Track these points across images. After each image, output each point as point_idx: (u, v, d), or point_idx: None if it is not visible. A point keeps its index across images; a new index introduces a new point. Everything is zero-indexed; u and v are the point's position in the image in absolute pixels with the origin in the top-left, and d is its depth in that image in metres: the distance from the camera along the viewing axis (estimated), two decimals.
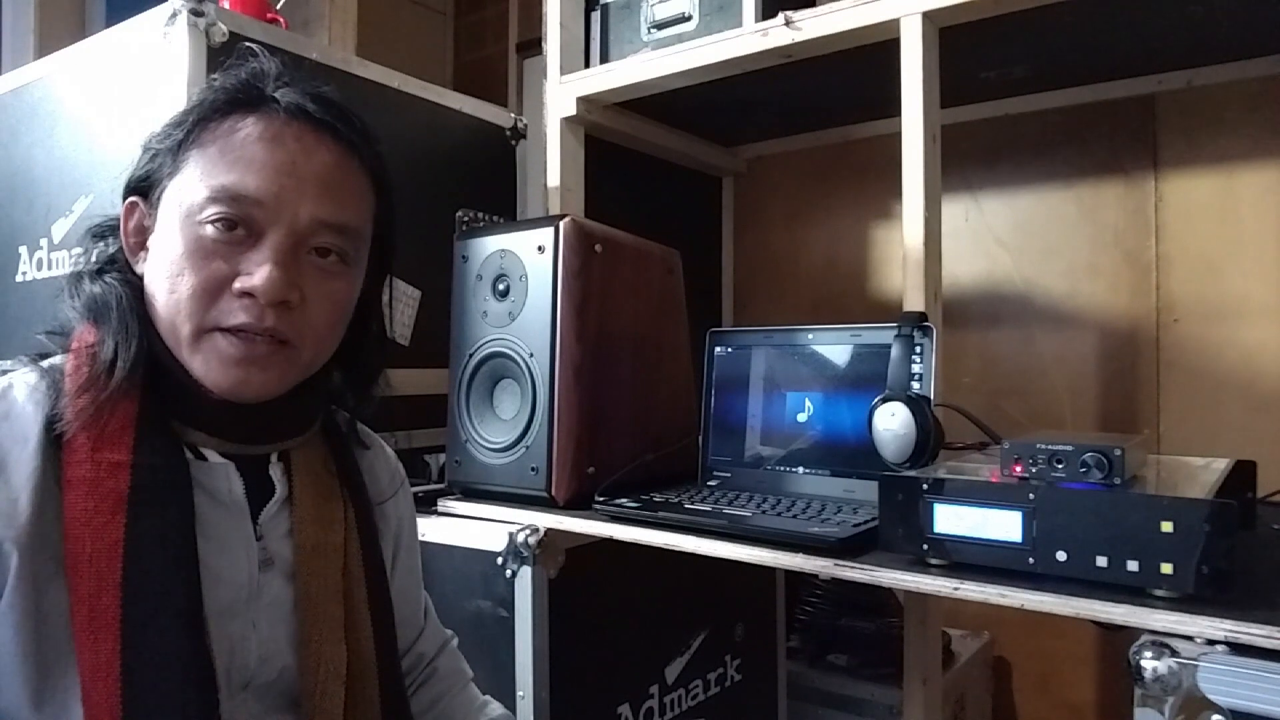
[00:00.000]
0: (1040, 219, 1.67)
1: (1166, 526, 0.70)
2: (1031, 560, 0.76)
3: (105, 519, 0.64)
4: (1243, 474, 0.98)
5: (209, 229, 0.68)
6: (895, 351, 1.01)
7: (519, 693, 1.10)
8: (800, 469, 1.14)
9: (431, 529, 1.18)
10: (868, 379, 1.09)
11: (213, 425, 0.72)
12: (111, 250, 0.75)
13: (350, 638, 0.75)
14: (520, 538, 1.10)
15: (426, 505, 1.22)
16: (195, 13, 1.18)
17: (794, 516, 0.99)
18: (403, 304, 1.47)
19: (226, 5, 1.34)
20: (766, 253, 2.03)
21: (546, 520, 1.12)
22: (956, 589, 0.79)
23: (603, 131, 1.65)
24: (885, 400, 0.96)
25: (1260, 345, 1.44)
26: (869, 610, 1.65)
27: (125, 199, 0.74)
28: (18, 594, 0.61)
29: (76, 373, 0.67)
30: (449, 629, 1.00)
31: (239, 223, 0.68)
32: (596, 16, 1.58)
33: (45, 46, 2.31)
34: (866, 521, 0.93)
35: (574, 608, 1.15)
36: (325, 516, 0.77)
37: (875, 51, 1.25)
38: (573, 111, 1.55)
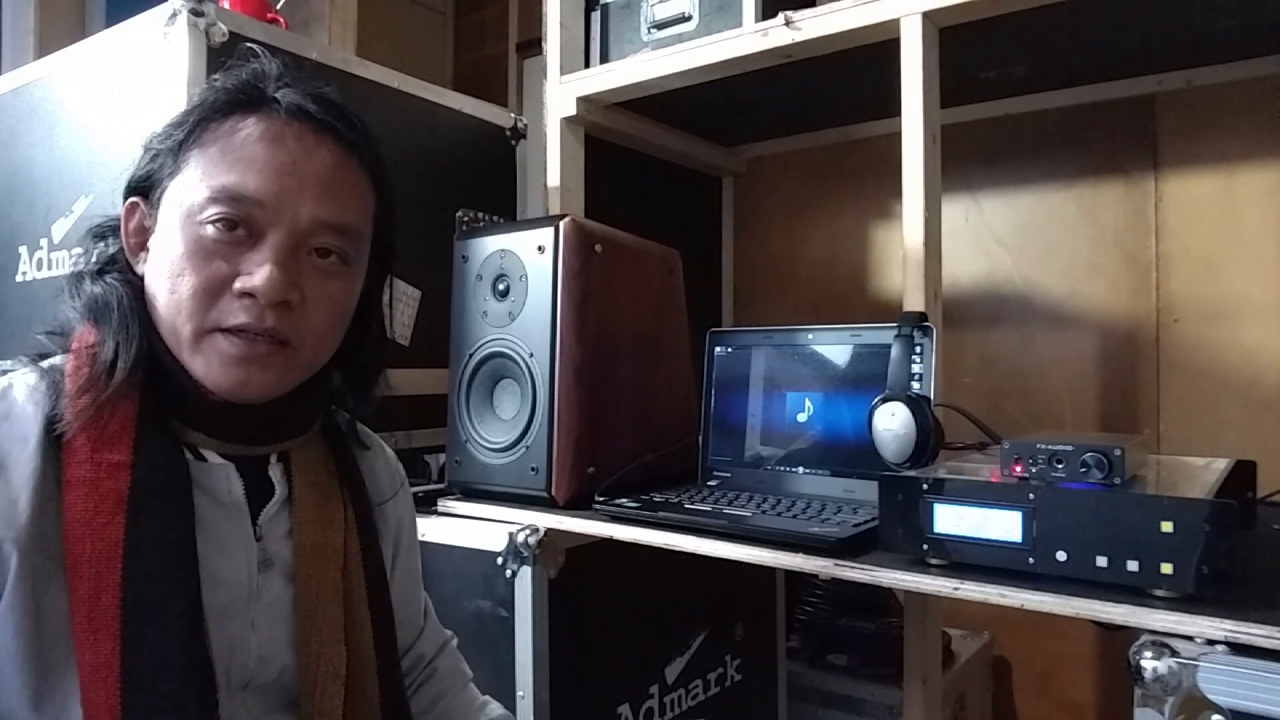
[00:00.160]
0: (1040, 219, 1.67)
1: (1166, 526, 0.70)
2: (1031, 560, 0.76)
3: (105, 519, 0.64)
4: (1243, 474, 0.98)
5: (209, 229, 0.68)
6: (895, 351, 1.01)
7: (519, 693, 1.10)
8: (800, 469, 1.14)
9: (431, 529, 1.18)
10: (868, 379, 1.09)
11: (212, 426, 0.72)
12: (112, 250, 0.75)
13: (350, 638, 0.75)
14: (520, 538, 1.10)
15: (426, 505, 1.22)
16: (195, 13, 1.18)
17: (794, 516, 0.99)
18: (403, 304, 1.47)
19: (226, 5, 1.34)
20: (766, 253, 2.03)
21: (546, 520, 1.12)
22: (956, 589, 0.79)
23: (603, 131, 1.65)
24: (885, 400, 0.96)
25: (1260, 345, 1.44)
26: (869, 610, 1.65)
27: (126, 199, 0.74)
28: (17, 594, 0.61)
29: (76, 373, 0.67)
30: (449, 629, 1.00)
31: (239, 223, 0.68)
32: (596, 16, 1.58)
33: (45, 46, 2.31)
34: (866, 521, 0.93)
35: (574, 608, 1.15)
36: (325, 517, 0.77)
37: (875, 51, 1.25)
38: (573, 111, 1.55)
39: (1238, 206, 1.47)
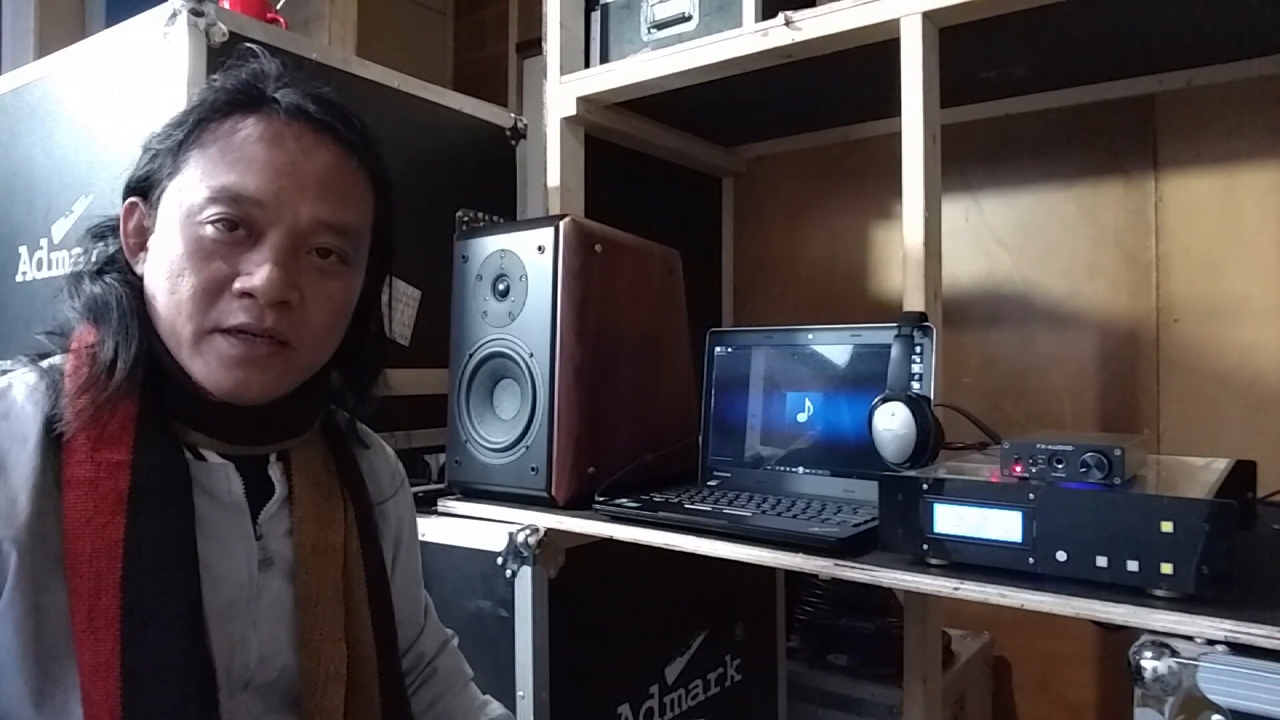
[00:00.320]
0: (1040, 219, 1.67)
1: (1166, 526, 0.70)
2: (1031, 560, 0.76)
3: (105, 519, 0.64)
4: (1243, 474, 0.98)
5: (209, 229, 0.68)
6: (895, 351, 1.01)
7: (519, 693, 1.10)
8: (800, 469, 1.14)
9: (431, 529, 1.18)
10: (868, 379, 1.09)
11: (212, 426, 0.72)
12: (111, 250, 0.75)
13: (350, 637, 0.75)
14: (520, 538, 1.10)
15: (426, 505, 1.22)
16: (195, 13, 1.18)
17: (794, 516, 0.99)
18: (403, 304, 1.47)
19: (226, 5, 1.34)
20: (766, 253, 2.03)
21: (546, 520, 1.12)
22: (956, 589, 0.79)
23: (603, 131, 1.65)
24: (885, 400, 0.96)
25: (1260, 345, 1.44)
26: (869, 610, 1.65)
27: (125, 199, 0.74)
28: (17, 593, 0.61)
29: (76, 373, 0.67)
30: (449, 629, 1.00)
31: (239, 223, 0.68)
32: (596, 16, 1.58)
33: (45, 46, 2.31)
34: (866, 521, 0.93)
35: (574, 608, 1.15)
36: (325, 516, 0.77)
37: (875, 51, 1.25)
38: (573, 111, 1.55)
39: (1238, 206, 1.47)
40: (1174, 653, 0.67)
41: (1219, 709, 0.65)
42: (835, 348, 1.14)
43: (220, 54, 1.18)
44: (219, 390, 0.69)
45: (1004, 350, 1.69)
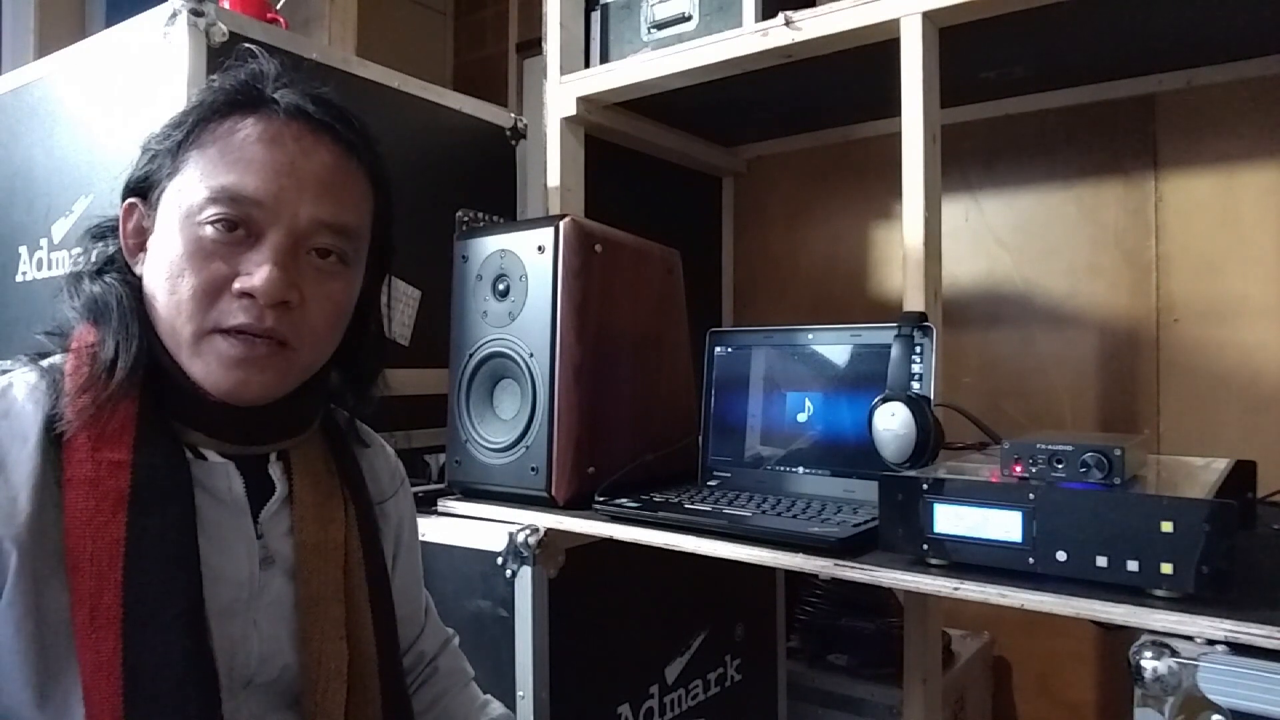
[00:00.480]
0: (1040, 219, 1.67)
1: (1166, 526, 0.70)
2: (1031, 560, 0.76)
3: (106, 518, 0.64)
4: (1243, 474, 0.98)
5: (209, 229, 0.68)
6: (895, 351, 1.01)
7: (519, 693, 1.10)
8: (800, 469, 1.14)
9: (431, 529, 1.18)
10: (868, 379, 1.09)
11: (211, 426, 0.72)
12: (110, 251, 0.75)
13: (351, 636, 0.75)
14: (520, 538, 1.10)
15: (426, 505, 1.22)
16: (195, 13, 1.18)
17: (794, 516, 0.99)
18: (403, 304, 1.47)
19: (226, 5, 1.34)
20: (766, 253, 2.03)
21: (546, 520, 1.12)
22: (956, 589, 0.79)
23: (603, 131, 1.65)
24: (885, 400, 0.96)
25: (1260, 345, 1.44)
26: (869, 610, 1.65)
27: (124, 200, 0.74)
28: (17, 592, 0.61)
29: (76, 372, 0.68)
30: (449, 628, 1.00)
31: (239, 223, 0.68)
32: (596, 16, 1.58)
33: (45, 46, 2.31)
34: (866, 521, 0.93)
35: (574, 608, 1.15)
36: (326, 515, 0.77)
37: (875, 51, 1.25)
38: (573, 111, 1.55)
39: (1238, 206, 1.47)
40: (1174, 653, 0.67)
41: (1219, 709, 0.65)
42: (835, 348, 1.14)
43: (220, 54, 1.18)
44: (218, 390, 0.69)
45: (1004, 350, 1.69)
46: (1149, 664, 0.67)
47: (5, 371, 0.69)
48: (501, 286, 1.19)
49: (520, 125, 1.73)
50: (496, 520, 1.16)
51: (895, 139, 1.19)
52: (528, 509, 1.14)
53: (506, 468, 1.17)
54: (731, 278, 2.07)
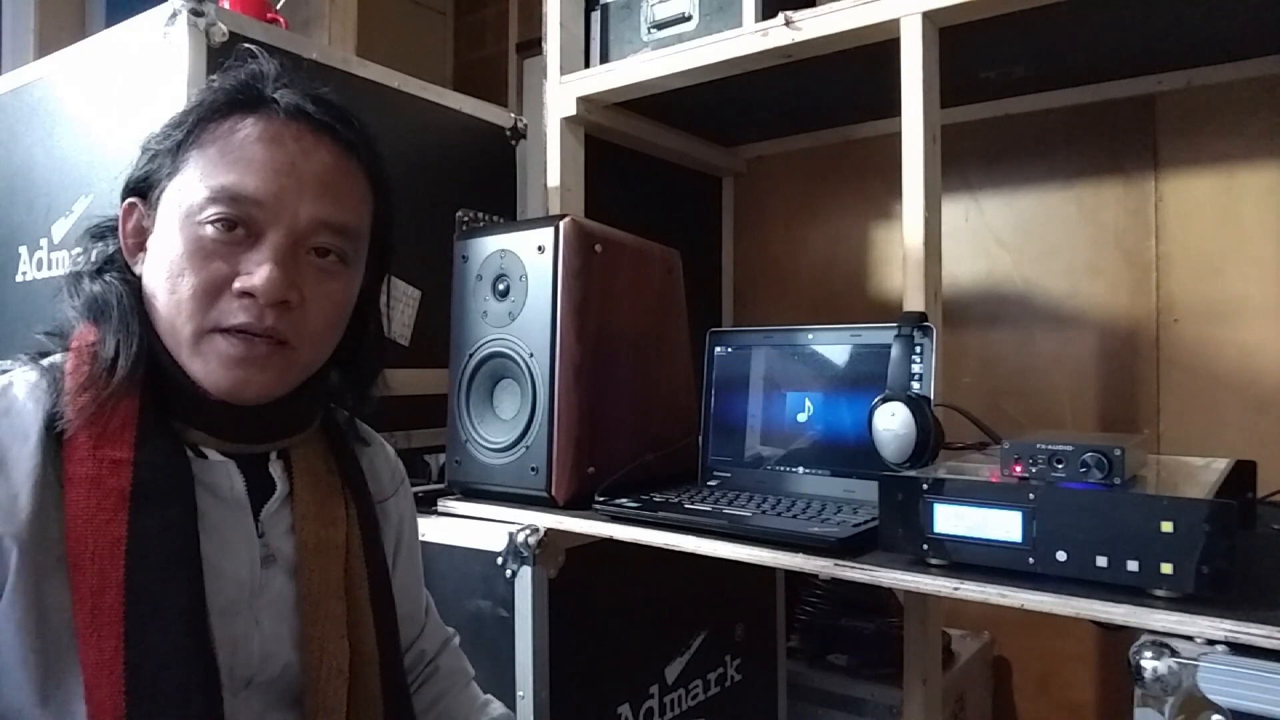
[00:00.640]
0: (1040, 219, 1.67)
1: (1166, 526, 0.70)
2: (1031, 560, 0.76)
3: (108, 516, 0.64)
4: (1243, 474, 0.98)
5: (209, 229, 0.68)
6: (895, 351, 1.01)
7: (519, 693, 1.10)
8: (800, 469, 1.14)
9: (431, 529, 1.18)
10: (868, 379, 1.09)
11: (212, 425, 0.72)
12: (110, 250, 0.75)
13: (352, 634, 0.75)
14: (520, 538, 1.10)
15: (426, 505, 1.22)
16: (195, 13, 1.18)
17: (794, 516, 0.99)
18: (403, 304, 1.47)
19: (226, 5, 1.34)
20: (766, 253, 2.03)
21: (546, 520, 1.12)
22: (956, 589, 0.79)
23: (603, 131, 1.65)
24: (885, 400, 0.96)
25: (1260, 345, 1.44)
26: (869, 610, 1.65)
27: (124, 200, 0.74)
28: (18, 591, 0.61)
29: (77, 371, 0.68)
30: (450, 628, 1.00)
31: (239, 223, 0.68)
32: (596, 16, 1.58)
33: (45, 46, 2.31)
34: (866, 521, 0.93)
35: (574, 608, 1.15)
36: (326, 513, 0.77)
37: (875, 51, 1.25)
38: (573, 111, 1.55)
39: (1238, 206, 1.47)
40: (1174, 653, 0.67)
41: (1219, 709, 0.65)
42: (835, 348, 1.14)
43: (220, 54, 1.18)
44: (218, 390, 0.69)
45: (1004, 350, 1.69)
46: (1149, 664, 0.67)
47: (5, 370, 0.69)
48: (501, 286, 1.19)
49: (520, 125, 1.73)
50: (496, 520, 1.16)
51: (895, 139, 1.19)
52: (528, 509, 1.14)
53: (506, 468, 1.17)
54: (731, 278, 2.07)
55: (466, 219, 1.58)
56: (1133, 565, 0.71)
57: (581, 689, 1.17)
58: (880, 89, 1.27)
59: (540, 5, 1.63)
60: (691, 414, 1.28)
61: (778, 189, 2.02)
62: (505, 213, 1.68)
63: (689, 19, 1.46)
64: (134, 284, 0.72)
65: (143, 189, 0.73)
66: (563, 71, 1.57)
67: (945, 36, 1.20)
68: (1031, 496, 0.76)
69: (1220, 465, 0.93)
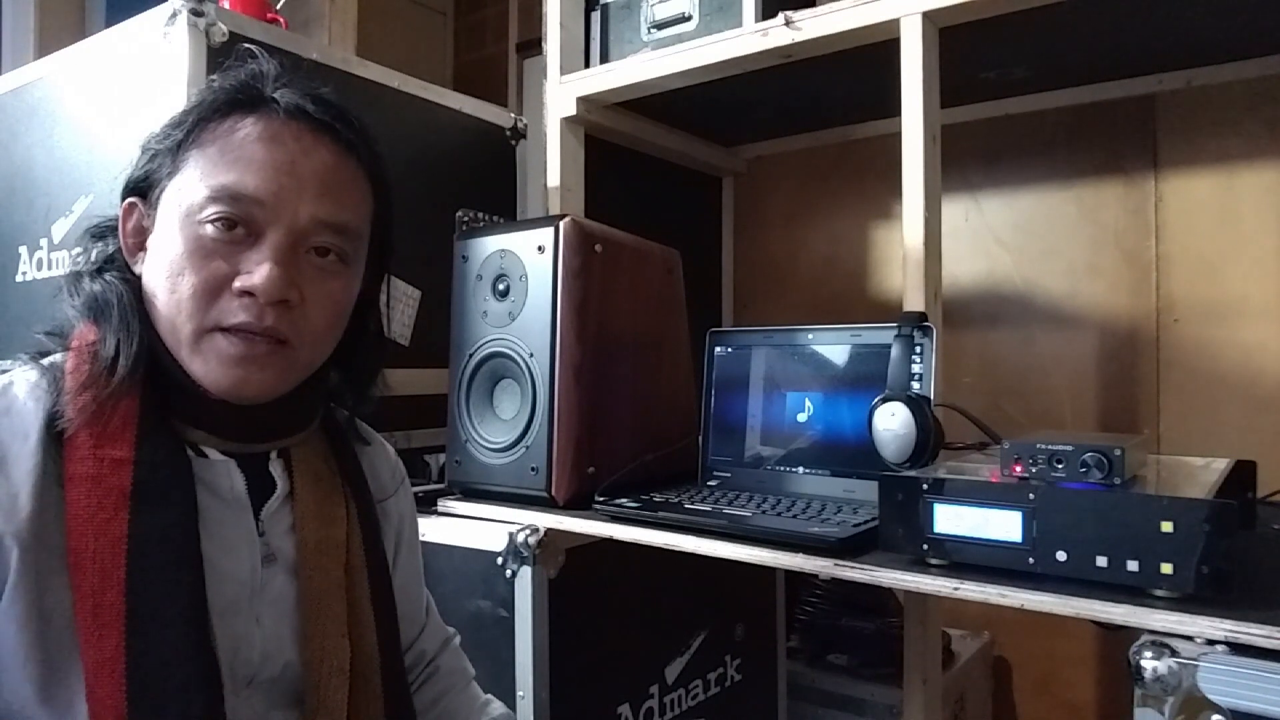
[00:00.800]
0: (1040, 219, 1.67)
1: (1166, 526, 0.70)
2: (1031, 560, 0.76)
3: (108, 515, 0.64)
4: (1243, 474, 0.98)
5: (209, 228, 0.68)
6: (895, 351, 1.01)
7: (519, 693, 1.10)
8: (800, 469, 1.14)
9: (431, 529, 1.18)
10: (868, 379, 1.09)
11: (212, 424, 0.72)
12: (110, 250, 0.75)
13: (353, 633, 0.75)
14: (520, 538, 1.10)
15: (426, 505, 1.22)
16: (195, 13, 1.18)
17: (794, 516, 0.99)
18: (403, 304, 1.47)
19: (226, 5, 1.34)
20: (766, 253, 2.03)
21: (546, 520, 1.12)
22: (956, 589, 0.79)
23: (603, 131, 1.65)
24: (885, 400, 0.96)
25: (1260, 345, 1.44)
26: (869, 610, 1.65)
27: (124, 200, 0.74)
28: (19, 590, 0.61)
29: (77, 370, 0.68)
30: (450, 627, 1.00)
31: (239, 222, 0.68)
32: (596, 16, 1.58)
33: (45, 46, 2.31)
34: (866, 521, 0.93)
35: (574, 608, 1.15)
36: (327, 512, 0.77)
37: (875, 51, 1.25)
38: (573, 111, 1.55)
39: (1238, 206, 1.47)
40: (1174, 653, 0.67)
41: (1219, 709, 0.65)
42: (835, 348, 1.14)
43: (220, 54, 1.18)
44: (218, 389, 0.69)
45: (1004, 350, 1.69)
46: (1149, 664, 0.67)
47: (6, 370, 0.69)
48: (501, 286, 1.19)
49: (520, 125, 1.73)
50: (496, 520, 1.16)
51: (895, 139, 1.19)
52: (528, 509, 1.14)
53: (506, 468, 1.17)
54: (731, 278, 2.07)
55: (466, 219, 1.58)
56: (1133, 565, 0.71)
57: (581, 689, 1.17)
58: (880, 89, 1.27)
59: (540, 5, 1.63)
60: (691, 414, 1.28)
61: (778, 189, 2.02)
62: (505, 213, 1.68)
63: (689, 19, 1.46)
64: (134, 283, 0.72)
65: (143, 189, 0.73)
66: (563, 71, 1.57)
67: (945, 36, 1.20)
68: (1031, 496, 0.76)
69: (1220, 465, 0.93)
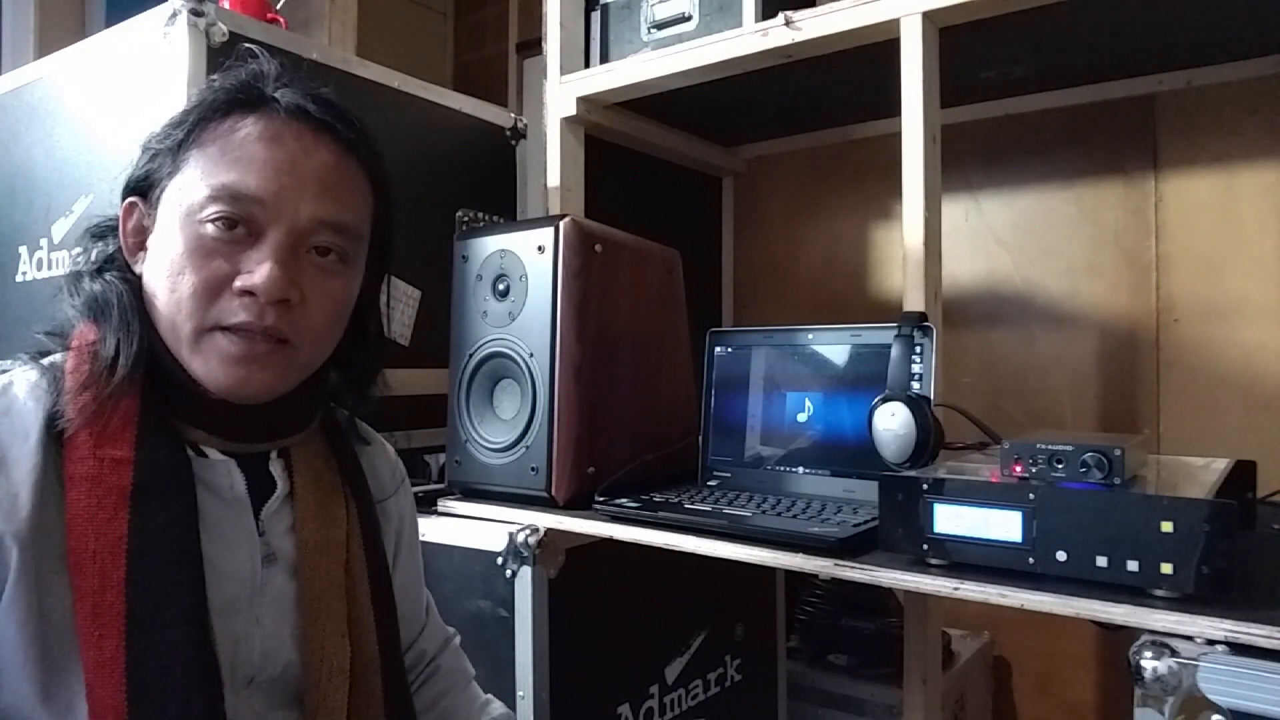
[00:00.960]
0: (1040, 219, 1.67)
1: (1166, 526, 0.70)
2: (1031, 560, 0.76)
3: (109, 515, 0.64)
4: (1243, 474, 0.98)
5: (209, 228, 0.68)
6: (895, 351, 1.01)
7: (519, 693, 1.10)
8: (800, 469, 1.14)
9: (431, 529, 1.18)
10: (868, 379, 1.09)
11: (212, 423, 0.72)
12: (110, 250, 0.75)
13: (353, 633, 0.75)
14: (520, 538, 1.10)
15: (426, 505, 1.22)
16: (195, 13, 1.18)
17: (794, 516, 0.99)
18: (403, 304, 1.47)
19: (226, 5, 1.34)
20: (766, 253, 2.03)
21: (546, 520, 1.12)
22: (956, 589, 0.79)
23: (603, 131, 1.65)
24: (885, 400, 0.96)
25: (1260, 345, 1.44)
26: (869, 610, 1.65)
27: (124, 199, 0.74)
28: (19, 590, 0.61)
29: (77, 370, 0.68)
30: (450, 628, 1.00)
31: (239, 221, 0.68)
32: (596, 16, 1.58)
33: (45, 46, 2.31)
34: (866, 521, 0.93)
35: (574, 608, 1.15)
36: (327, 512, 0.77)
37: (875, 51, 1.25)
38: (573, 111, 1.55)
39: (1238, 206, 1.47)
40: (1174, 653, 0.67)
41: (1219, 709, 0.65)
42: (835, 348, 1.14)
43: (220, 54, 1.18)
44: (219, 388, 0.69)
45: (1004, 350, 1.69)
46: (1149, 664, 0.67)
47: (6, 370, 0.69)
48: (501, 286, 1.19)
49: (520, 125, 1.73)
50: (496, 520, 1.16)
51: (895, 139, 1.19)
52: (528, 509, 1.14)
53: (506, 468, 1.17)
54: (731, 278, 2.07)
55: (466, 219, 1.58)
56: (1133, 565, 0.71)
57: (581, 689, 1.17)
58: (880, 89, 1.27)
59: (540, 5, 1.63)
60: (691, 414, 1.28)
61: (778, 189, 2.02)
62: (505, 213, 1.68)
63: (689, 19, 1.46)
64: (134, 283, 0.72)
65: (143, 188, 0.73)
66: (563, 71, 1.57)
67: (945, 36, 1.20)
68: (1031, 496, 0.76)
69: (1220, 465, 0.93)
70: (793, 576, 1.62)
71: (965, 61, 1.38)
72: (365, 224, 0.76)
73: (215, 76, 0.75)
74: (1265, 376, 1.44)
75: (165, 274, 0.69)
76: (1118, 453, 0.76)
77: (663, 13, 1.49)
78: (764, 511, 1.02)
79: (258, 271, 0.67)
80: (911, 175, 1.17)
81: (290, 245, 0.69)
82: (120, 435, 0.66)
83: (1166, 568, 0.70)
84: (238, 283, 0.67)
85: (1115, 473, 0.76)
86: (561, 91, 1.57)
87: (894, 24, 1.19)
